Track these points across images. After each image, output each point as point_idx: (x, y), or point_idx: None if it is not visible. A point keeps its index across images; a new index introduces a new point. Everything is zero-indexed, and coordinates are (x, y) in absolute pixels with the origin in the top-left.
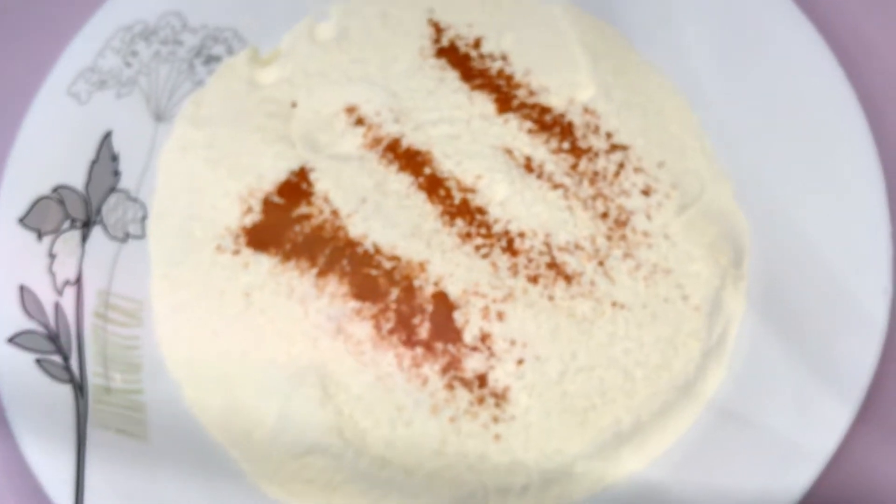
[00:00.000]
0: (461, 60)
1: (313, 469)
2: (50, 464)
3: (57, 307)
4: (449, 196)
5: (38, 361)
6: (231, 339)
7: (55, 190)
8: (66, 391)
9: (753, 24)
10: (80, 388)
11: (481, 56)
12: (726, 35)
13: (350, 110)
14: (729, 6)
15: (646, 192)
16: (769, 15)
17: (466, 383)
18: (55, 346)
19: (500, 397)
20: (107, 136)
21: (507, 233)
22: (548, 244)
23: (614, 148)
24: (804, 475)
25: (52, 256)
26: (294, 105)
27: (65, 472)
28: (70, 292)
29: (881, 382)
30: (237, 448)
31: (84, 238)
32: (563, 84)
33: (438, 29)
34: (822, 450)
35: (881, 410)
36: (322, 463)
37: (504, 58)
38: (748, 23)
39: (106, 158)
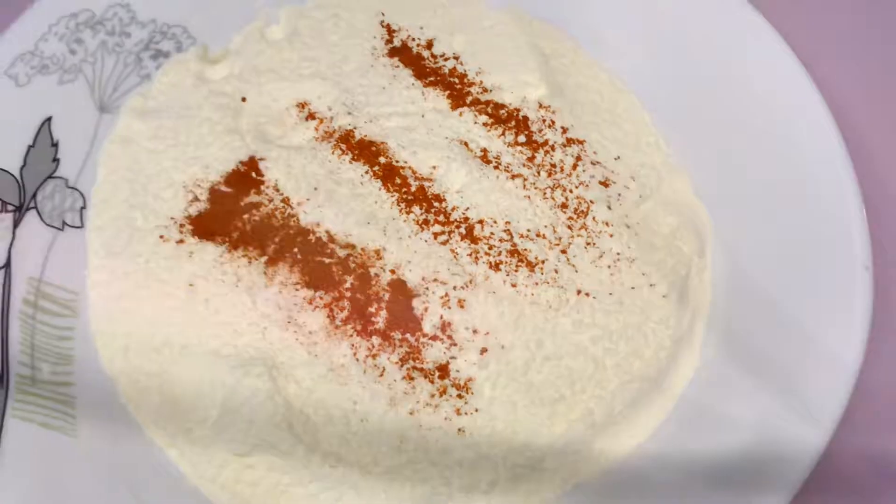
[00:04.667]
0: (414, 60)
1: (259, 470)
2: None
3: None
4: (405, 184)
5: None
6: (172, 330)
7: None
8: None
9: (702, 22)
10: (0, 377)
11: (434, 56)
12: (674, 33)
13: (301, 106)
14: (677, 5)
15: (604, 184)
16: (715, 12)
17: (427, 374)
18: None
19: (463, 388)
20: (46, 122)
21: (466, 219)
22: (509, 231)
23: (570, 142)
24: (793, 464)
25: None
26: (244, 100)
27: None
28: None
29: (869, 361)
30: (175, 447)
31: (16, 223)
32: (516, 84)
33: (390, 31)
34: (812, 437)
35: (870, 397)
36: (269, 461)
37: (457, 57)
38: (697, 21)
39: (44, 144)
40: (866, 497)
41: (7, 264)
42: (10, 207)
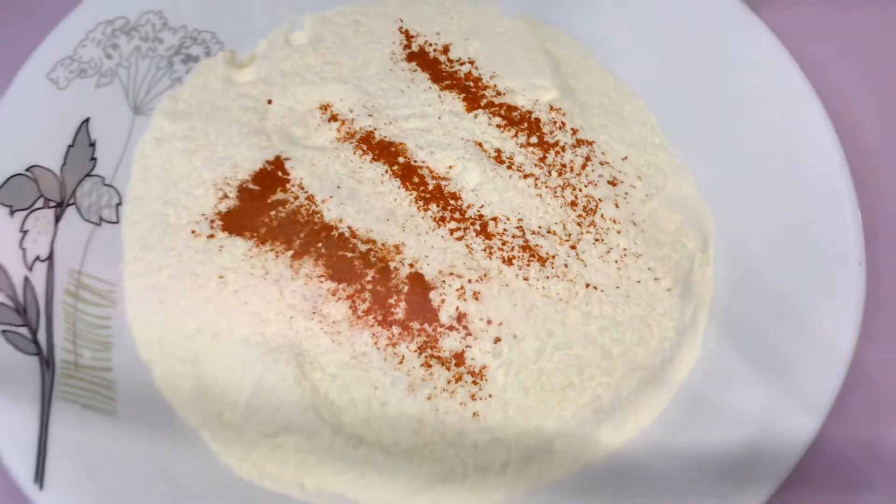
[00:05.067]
0: (431, 64)
1: (287, 450)
2: (11, 435)
3: (26, 282)
4: (422, 183)
5: (5, 332)
6: (204, 320)
7: (29, 169)
8: (32, 363)
9: (704, 29)
10: (46, 361)
11: (450, 60)
12: (677, 40)
13: (324, 108)
14: (680, 14)
15: (612, 183)
16: (717, 19)
17: (443, 362)
18: (22, 319)
19: (478, 375)
20: (84, 123)
21: (480, 216)
22: (521, 228)
23: (580, 143)
24: (787, 447)
25: (23, 232)
26: (270, 102)
27: (27, 443)
28: (41, 269)
29: (861, 353)
30: (208, 429)
31: (57, 218)
32: (528, 87)
33: (409, 36)
34: (806, 422)
35: (862, 388)
36: (296, 442)
37: (471, 62)
38: (699, 29)
39: (83, 144)
40: (858, 482)
41: (50, 257)
42: (51, 203)
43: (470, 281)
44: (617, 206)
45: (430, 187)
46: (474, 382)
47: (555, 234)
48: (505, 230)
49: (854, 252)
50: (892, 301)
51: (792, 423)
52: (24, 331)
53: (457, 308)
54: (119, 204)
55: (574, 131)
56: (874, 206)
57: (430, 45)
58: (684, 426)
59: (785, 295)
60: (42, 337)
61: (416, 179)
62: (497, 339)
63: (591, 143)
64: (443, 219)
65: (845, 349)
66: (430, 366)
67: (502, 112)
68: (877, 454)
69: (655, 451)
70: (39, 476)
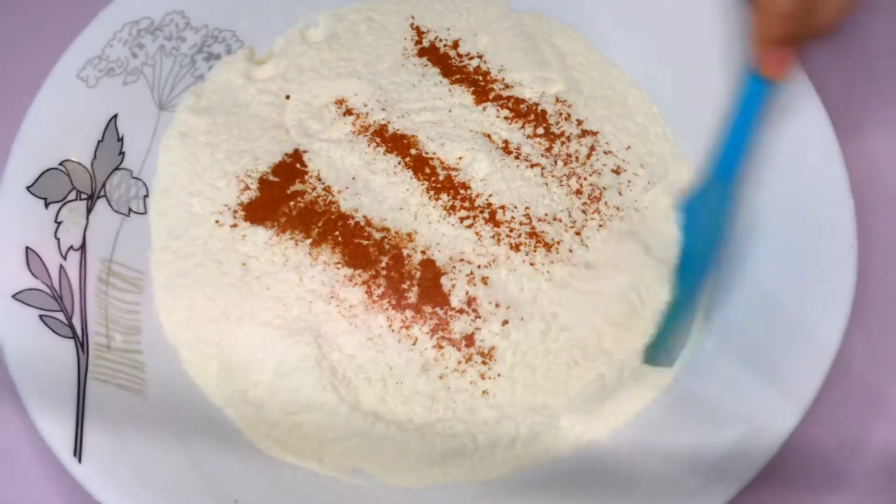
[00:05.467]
0: (441, 59)
1: (307, 426)
2: (50, 413)
3: (61, 269)
4: (434, 174)
5: (42, 317)
6: (228, 305)
7: (62, 163)
8: (68, 345)
9: (705, 24)
10: (81, 344)
11: (459, 55)
12: (678, 35)
13: (339, 102)
14: (681, 9)
15: (616, 172)
16: (715, 16)
17: (454, 343)
18: (58, 305)
19: (487, 356)
20: (112, 119)
21: (489, 205)
22: (528, 216)
23: (585, 133)
24: (765, 438)
25: (57, 223)
26: (288, 97)
27: (65, 422)
28: (74, 257)
29: (850, 344)
30: (233, 408)
31: (89, 209)
32: (535, 80)
33: (420, 32)
34: (799, 402)
35: (848, 375)
36: (316, 419)
37: (480, 56)
38: (700, 24)
39: (111, 139)
40: (838, 477)
41: (83, 246)
42: (83, 196)
43: (479, 266)
44: (620, 193)
45: (441, 178)
46: (483, 363)
47: (560, 220)
48: (513, 218)
49: (846, 237)
50: (883, 295)
51: (772, 412)
52: (60, 315)
53: (467, 292)
54: (146, 195)
55: (579, 122)
56: (870, 204)
57: (441, 40)
58: (687, 403)
59: (776, 277)
60: (77, 321)
61: (427, 170)
62: (505, 322)
63: (595, 134)
64: (453, 207)
65: (832, 335)
66: (441, 347)
67: (510, 104)
68: (858, 449)
69: (657, 424)
70: (78, 451)
